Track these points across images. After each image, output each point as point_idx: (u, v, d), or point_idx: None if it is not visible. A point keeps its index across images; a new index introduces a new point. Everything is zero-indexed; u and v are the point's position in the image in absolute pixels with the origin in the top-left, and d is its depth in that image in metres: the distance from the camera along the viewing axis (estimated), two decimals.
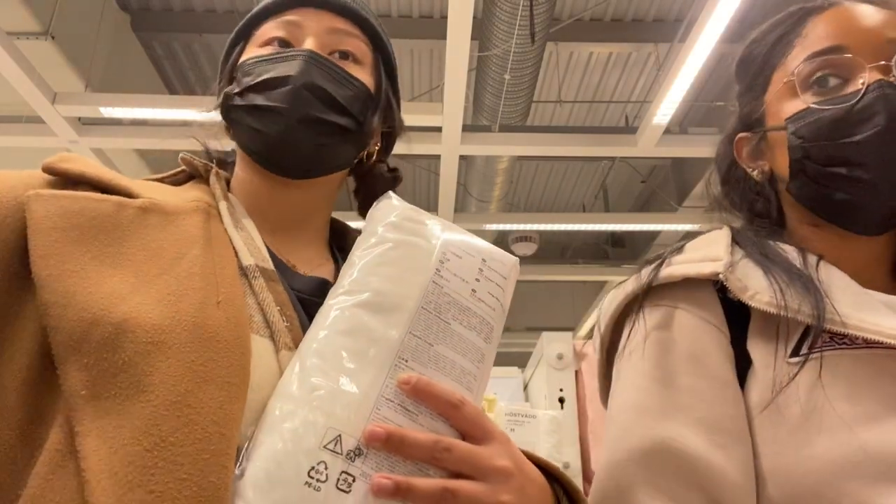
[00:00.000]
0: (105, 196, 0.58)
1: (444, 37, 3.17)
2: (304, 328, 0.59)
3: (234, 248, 0.64)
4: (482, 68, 3.94)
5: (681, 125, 4.65)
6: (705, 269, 0.62)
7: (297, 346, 0.57)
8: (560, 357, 1.41)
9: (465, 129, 4.06)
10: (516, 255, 0.67)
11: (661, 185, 6.34)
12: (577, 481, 1.31)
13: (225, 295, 0.55)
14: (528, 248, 6.23)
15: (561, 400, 1.39)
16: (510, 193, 5.80)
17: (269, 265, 0.64)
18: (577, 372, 1.43)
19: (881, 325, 0.54)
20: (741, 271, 0.61)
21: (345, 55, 0.74)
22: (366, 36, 0.79)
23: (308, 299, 0.66)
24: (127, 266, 0.54)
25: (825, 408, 0.53)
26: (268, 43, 0.73)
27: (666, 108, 3.66)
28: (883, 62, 0.62)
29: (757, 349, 0.59)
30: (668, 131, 3.99)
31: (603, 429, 0.64)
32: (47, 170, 0.60)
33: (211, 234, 0.62)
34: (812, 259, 0.62)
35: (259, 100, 0.68)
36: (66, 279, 0.50)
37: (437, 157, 4.33)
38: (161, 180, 0.71)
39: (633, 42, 4.68)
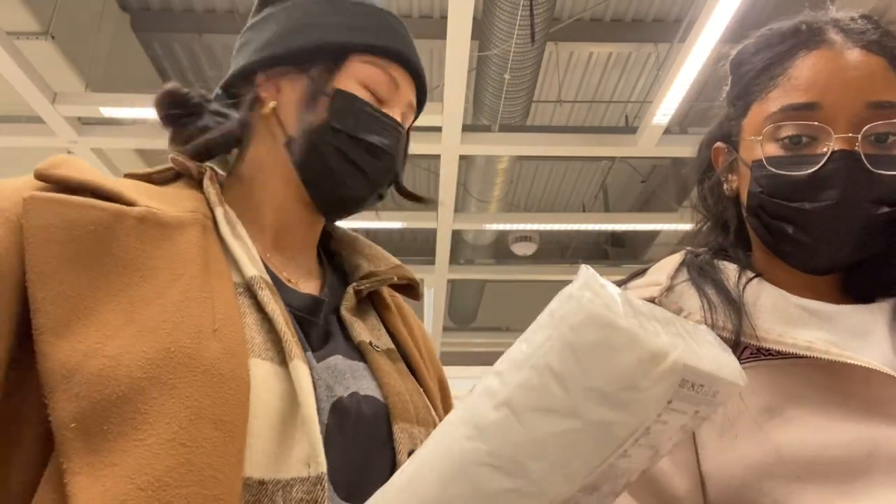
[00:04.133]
0: (102, 204, 0.55)
1: (444, 37, 3.17)
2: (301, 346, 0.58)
3: (233, 258, 0.62)
4: (482, 68, 3.94)
5: (681, 125, 4.65)
6: (646, 293, 0.68)
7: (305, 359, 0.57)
8: None
9: (465, 129, 4.06)
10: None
11: (661, 185, 6.34)
12: None
13: (221, 321, 0.53)
14: (528, 248, 6.23)
15: None
16: (510, 193, 5.80)
17: (268, 278, 0.62)
18: None
19: (797, 339, 0.59)
20: (678, 294, 0.67)
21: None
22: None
23: (301, 316, 0.65)
24: (122, 291, 0.52)
25: (743, 415, 0.58)
26: (371, 91, 0.71)
27: (666, 108, 3.66)
28: (850, 134, 0.62)
29: None
30: (668, 131, 3.99)
31: None
32: (40, 177, 0.56)
33: (208, 249, 0.60)
34: (745, 278, 0.67)
35: (371, 138, 0.70)
36: (61, 304, 0.48)
37: (437, 157, 4.33)
38: (149, 177, 0.68)
39: (633, 42, 4.68)
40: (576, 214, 6.30)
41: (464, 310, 7.65)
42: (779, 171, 0.65)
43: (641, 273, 0.74)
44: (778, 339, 0.60)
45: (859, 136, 0.62)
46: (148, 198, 0.60)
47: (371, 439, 0.61)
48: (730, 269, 0.69)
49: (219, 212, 0.65)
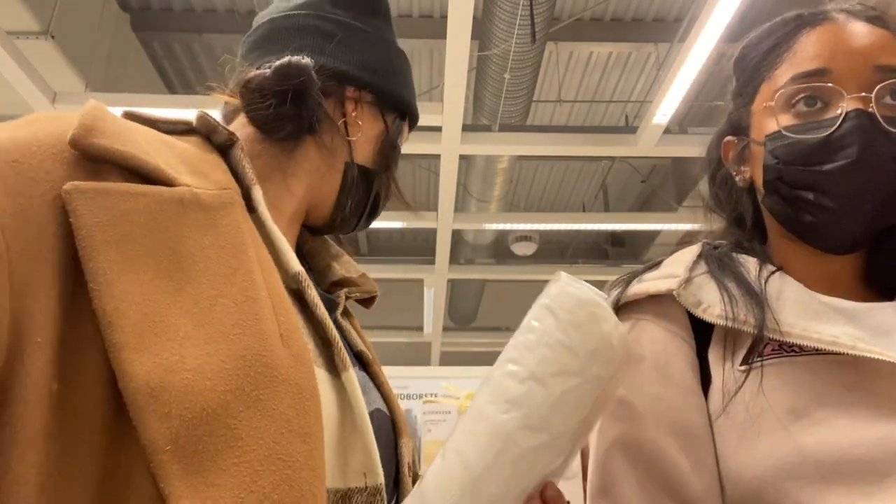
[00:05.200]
0: (148, 189, 0.50)
1: (444, 37, 3.17)
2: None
3: (275, 249, 0.57)
4: (482, 68, 3.94)
5: (681, 125, 4.65)
6: (663, 286, 0.66)
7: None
8: None
9: (465, 128, 4.06)
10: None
11: (661, 185, 6.34)
12: (577, 481, 1.31)
13: (285, 325, 0.51)
14: (528, 248, 6.23)
15: None
16: (510, 193, 5.80)
17: (303, 268, 0.59)
18: None
19: (822, 334, 0.57)
20: (697, 286, 0.65)
21: None
22: None
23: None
24: (182, 290, 0.47)
25: (766, 413, 0.57)
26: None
27: (666, 108, 3.66)
28: (864, 93, 0.62)
29: (713, 359, 0.63)
30: (668, 131, 3.99)
31: (599, 450, 0.68)
32: (79, 146, 0.49)
33: (253, 237, 0.55)
34: (766, 271, 0.65)
35: None
36: (133, 315, 0.44)
37: (437, 156, 4.32)
38: (154, 123, 0.62)
39: (633, 42, 4.68)
40: (576, 214, 6.30)
41: (464, 310, 7.65)
42: (795, 137, 0.64)
43: (656, 265, 0.72)
44: (802, 333, 0.58)
45: (872, 95, 0.62)
46: (179, 166, 0.55)
47: (387, 453, 0.62)
48: (750, 263, 0.67)
49: (257, 192, 0.60)
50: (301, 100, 0.66)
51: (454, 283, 6.86)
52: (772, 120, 0.67)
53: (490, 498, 0.53)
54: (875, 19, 0.66)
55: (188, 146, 0.59)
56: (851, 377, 0.56)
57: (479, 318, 7.84)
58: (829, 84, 0.63)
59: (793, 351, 0.59)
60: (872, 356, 0.54)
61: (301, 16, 0.71)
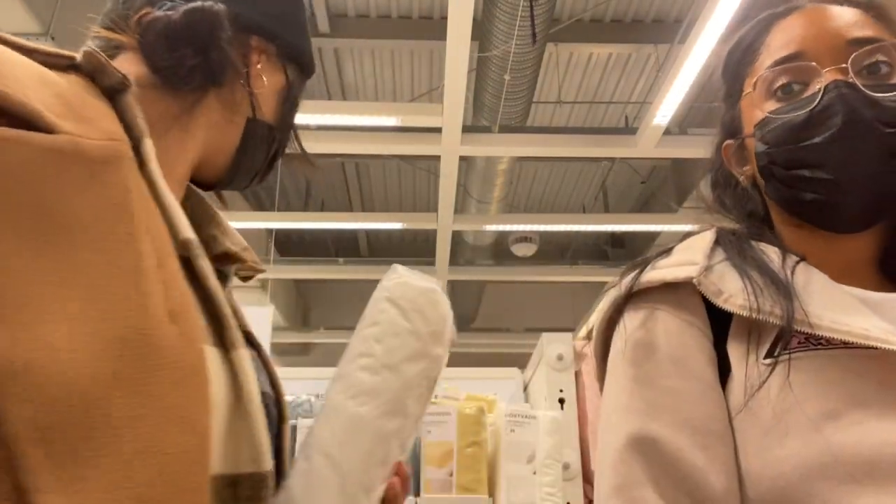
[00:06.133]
0: (16, 134, 0.43)
1: (444, 37, 3.17)
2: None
3: (166, 212, 0.51)
4: (482, 69, 3.94)
5: (681, 126, 4.65)
6: (681, 273, 0.62)
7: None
8: (560, 358, 1.41)
9: (465, 129, 4.06)
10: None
11: (661, 186, 6.34)
12: (578, 482, 1.31)
13: (176, 299, 0.46)
14: (528, 249, 6.23)
15: (561, 401, 1.38)
16: (510, 194, 5.80)
17: (195, 235, 0.53)
18: (577, 373, 1.43)
19: (852, 326, 0.54)
20: (717, 275, 0.62)
21: None
22: None
23: None
24: (57, 256, 0.42)
25: (794, 409, 0.54)
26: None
27: (666, 109, 3.66)
28: (842, 65, 0.63)
29: (734, 351, 0.60)
30: (667, 132, 3.99)
31: (614, 443, 0.63)
32: None
33: (142, 197, 0.48)
34: (791, 261, 0.63)
35: None
36: None
37: (437, 157, 4.33)
38: (30, 53, 0.52)
39: (633, 43, 4.68)
40: (576, 215, 6.30)
41: (464, 310, 7.65)
42: (780, 118, 0.65)
43: (668, 252, 0.68)
44: (831, 325, 0.55)
45: (848, 65, 0.63)
46: (60, 109, 0.47)
47: (271, 438, 0.58)
48: (771, 251, 0.64)
49: (148, 144, 0.53)
50: (210, 49, 0.60)
51: (454, 283, 6.86)
52: (757, 110, 0.68)
53: (362, 489, 0.56)
54: (844, 1, 0.67)
55: (69, 86, 0.51)
56: (882, 373, 0.53)
57: (479, 318, 7.84)
58: (804, 63, 0.65)
59: (820, 344, 0.56)
60: None
61: None
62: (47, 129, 0.45)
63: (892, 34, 0.66)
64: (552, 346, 1.43)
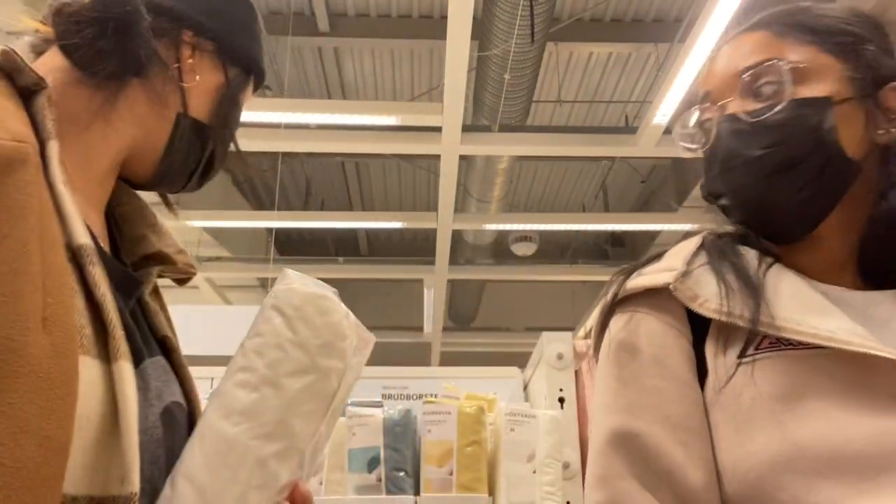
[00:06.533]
0: None
1: (444, 37, 3.17)
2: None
3: (62, 216, 0.50)
4: (482, 68, 3.94)
5: None
6: (660, 279, 0.66)
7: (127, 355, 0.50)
8: (560, 357, 1.41)
9: (465, 129, 4.06)
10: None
11: (661, 185, 6.35)
12: (577, 481, 1.31)
13: (53, 306, 0.44)
14: (528, 248, 6.23)
15: (561, 400, 1.38)
16: (510, 193, 5.80)
17: (91, 241, 0.52)
18: (577, 372, 1.43)
19: (818, 328, 0.56)
20: (695, 279, 0.65)
21: None
22: None
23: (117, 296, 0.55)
24: None
25: (762, 407, 0.57)
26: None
27: (666, 109, 3.66)
28: (728, 99, 0.69)
29: (710, 351, 0.63)
30: (667, 131, 3.99)
31: (597, 439, 0.67)
32: None
33: (40, 200, 0.48)
34: (765, 263, 0.66)
35: None
36: None
37: (437, 157, 4.33)
38: None
39: (633, 42, 4.68)
40: (576, 214, 6.31)
41: (464, 310, 7.66)
42: (697, 155, 0.72)
43: (657, 257, 0.72)
44: (797, 327, 0.58)
45: (733, 99, 0.68)
46: None
47: (181, 448, 0.56)
48: (750, 254, 0.67)
49: (52, 147, 0.52)
50: (125, 34, 0.59)
51: (454, 283, 6.86)
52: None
53: None
54: (757, 24, 0.71)
55: None
56: (848, 371, 0.56)
57: (479, 318, 7.85)
58: (706, 104, 0.71)
59: (790, 345, 0.59)
60: (866, 351, 0.54)
61: None
62: None
63: (801, 41, 0.67)
64: (552, 345, 1.43)
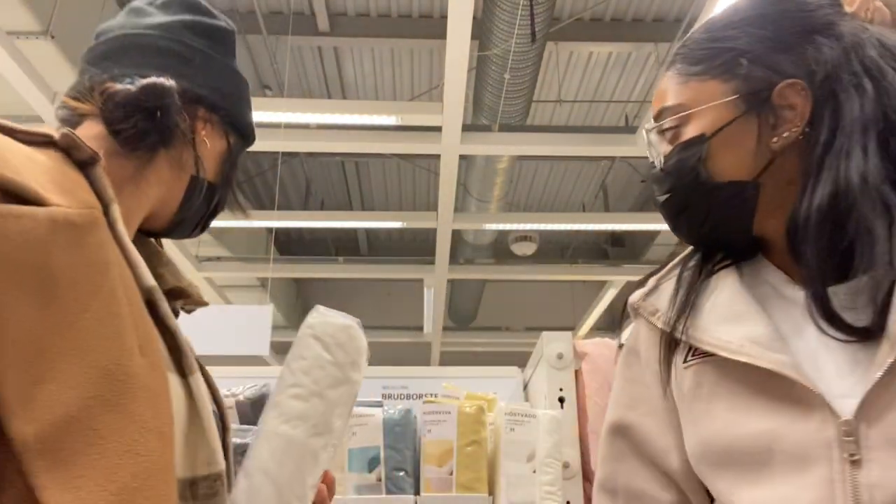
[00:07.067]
0: (20, 210, 0.53)
1: (444, 36, 3.17)
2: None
3: (132, 264, 0.62)
4: (482, 68, 3.94)
5: None
6: (633, 297, 0.77)
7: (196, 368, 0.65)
8: (560, 356, 1.41)
9: (465, 128, 4.07)
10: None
11: None
12: (577, 480, 1.31)
13: (143, 337, 0.58)
14: (528, 248, 6.23)
15: (561, 400, 1.38)
16: (510, 193, 5.81)
17: (156, 283, 0.64)
18: (577, 371, 1.43)
19: (720, 338, 0.64)
20: (659, 293, 0.74)
21: None
22: None
23: None
24: (52, 305, 0.52)
25: (688, 408, 0.68)
26: None
27: None
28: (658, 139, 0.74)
29: (676, 357, 0.71)
30: None
31: (603, 428, 0.80)
32: None
33: (115, 254, 0.60)
34: (706, 272, 0.72)
35: None
36: (9, 332, 0.49)
37: (437, 156, 4.33)
38: (12, 132, 0.62)
39: (633, 42, 4.69)
40: (576, 214, 6.31)
41: (464, 310, 7.66)
42: None
43: (666, 264, 0.79)
44: (703, 336, 0.66)
45: (660, 141, 0.73)
46: (48, 184, 0.57)
47: None
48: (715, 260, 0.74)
49: (115, 210, 0.63)
50: (163, 118, 0.72)
51: (454, 283, 6.87)
52: None
53: (296, 497, 0.69)
54: (670, 62, 0.73)
55: (48, 160, 0.62)
56: (747, 377, 0.62)
57: (479, 318, 7.85)
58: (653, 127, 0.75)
59: (712, 353, 0.65)
60: (745, 361, 0.61)
61: (158, 37, 0.78)
62: (40, 202, 0.55)
63: (694, 74, 0.69)
64: (552, 344, 1.43)
